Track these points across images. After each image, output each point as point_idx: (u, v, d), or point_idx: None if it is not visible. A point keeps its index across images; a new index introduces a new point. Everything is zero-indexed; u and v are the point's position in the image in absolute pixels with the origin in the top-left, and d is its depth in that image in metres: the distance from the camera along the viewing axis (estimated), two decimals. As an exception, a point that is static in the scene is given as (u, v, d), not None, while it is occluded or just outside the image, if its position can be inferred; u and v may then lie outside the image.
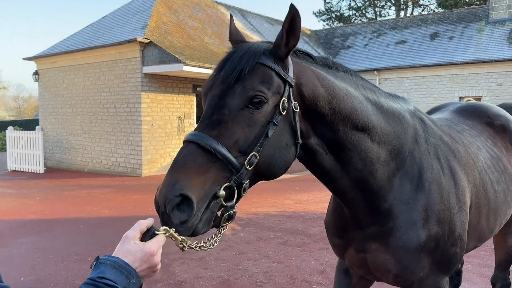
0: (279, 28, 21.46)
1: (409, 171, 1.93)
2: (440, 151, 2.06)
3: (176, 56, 11.83)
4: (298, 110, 1.55)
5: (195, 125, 13.56)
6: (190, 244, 1.35)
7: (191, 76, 13.52)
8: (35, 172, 13.80)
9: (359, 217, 1.93)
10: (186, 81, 13.85)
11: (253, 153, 1.42)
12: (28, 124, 25.43)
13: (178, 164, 1.35)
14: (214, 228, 1.44)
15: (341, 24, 34.69)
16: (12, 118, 37.49)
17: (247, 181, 1.43)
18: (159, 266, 1.25)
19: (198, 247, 1.41)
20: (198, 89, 14.17)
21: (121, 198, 9.30)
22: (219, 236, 1.48)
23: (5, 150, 19.16)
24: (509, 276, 3.05)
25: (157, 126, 13.16)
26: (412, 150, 1.96)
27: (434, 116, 2.66)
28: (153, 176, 12.80)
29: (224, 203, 1.36)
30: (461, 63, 17.57)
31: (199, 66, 12.03)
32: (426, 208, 1.91)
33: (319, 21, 42.11)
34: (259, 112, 1.44)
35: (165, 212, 1.30)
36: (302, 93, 1.59)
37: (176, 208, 1.30)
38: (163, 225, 1.29)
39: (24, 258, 5.35)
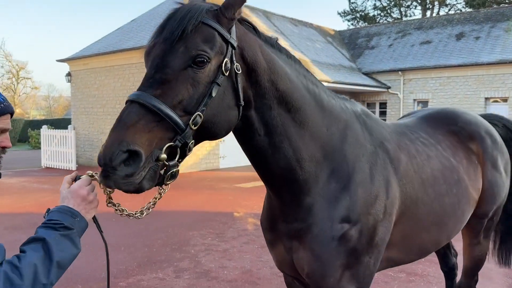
0: (303, 29, 21.67)
1: (338, 170, 1.89)
2: (376, 157, 2.01)
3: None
4: (240, 72, 1.55)
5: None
6: (123, 209, 1.55)
7: (216, 77, 13.94)
8: (68, 169, 14.47)
9: (285, 209, 1.92)
10: (211, 82, 14.28)
11: (197, 113, 1.42)
12: (59, 123, 26.43)
13: (122, 123, 1.35)
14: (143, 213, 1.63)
15: (366, 24, 34.56)
16: (43, 117, 38.94)
17: (192, 141, 1.45)
18: (91, 198, 1.45)
19: (120, 211, 1.55)
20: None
21: (146, 192, 9.74)
22: (156, 200, 1.60)
23: (39, 148, 20.16)
24: (475, 284, 3.07)
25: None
26: (346, 151, 1.93)
27: (401, 121, 2.69)
28: (180, 173, 13.25)
29: (166, 162, 1.38)
30: (487, 64, 17.36)
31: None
32: (347, 209, 1.86)
33: (343, 21, 42.02)
34: (202, 72, 1.44)
35: (111, 166, 1.30)
36: (244, 57, 1.58)
37: (123, 163, 1.31)
38: (103, 180, 1.34)
39: (62, 247, 5.80)
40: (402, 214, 2.09)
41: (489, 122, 2.97)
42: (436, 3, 34.39)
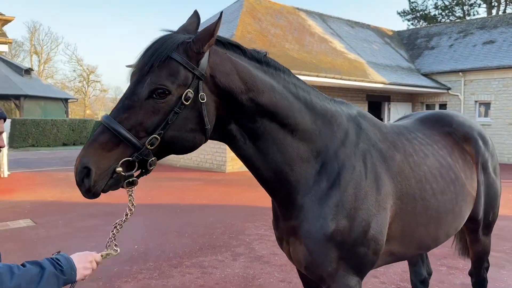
0: (359, 30, 21.69)
1: (329, 169, 2.02)
2: (368, 156, 2.13)
3: (259, 62, 12.86)
4: (205, 101, 1.70)
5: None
6: (109, 252, 1.86)
7: (272, 81, 14.48)
8: (135, 166, 15.68)
9: (281, 208, 2.09)
10: (268, 85, 14.84)
11: (154, 135, 1.63)
12: (127, 124, 28.15)
13: (88, 142, 1.62)
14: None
15: (426, 23, 33.62)
16: (112, 118, 41.97)
17: (153, 158, 1.67)
18: (88, 268, 1.75)
19: (111, 252, 1.86)
20: (278, 92, 15.11)
21: (209, 190, 10.53)
22: (127, 218, 1.86)
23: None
24: (486, 270, 3.21)
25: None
26: (337, 151, 2.05)
27: (399, 122, 2.83)
28: (236, 172, 13.97)
29: (123, 173, 1.61)
30: (556, 63, 16.51)
31: (279, 72, 12.94)
32: (337, 205, 1.98)
33: (403, 21, 41.03)
34: (162, 102, 1.63)
35: (78, 182, 1.61)
36: (216, 84, 1.74)
37: (84, 178, 1.59)
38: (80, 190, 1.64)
39: (134, 232, 6.62)
40: (400, 209, 2.20)
41: None
42: (502, 0, 32.72)
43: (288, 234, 2.13)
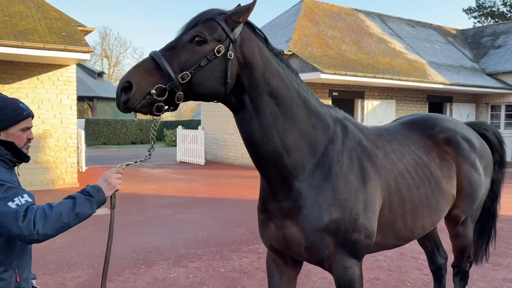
0: (421, 30, 21.29)
1: (321, 163, 2.27)
2: (354, 152, 2.39)
3: (315, 65, 13.24)
4: (232, 59, 2.00)
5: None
6: (130, 163, 2.16)
7: (328, 82, 14.78)
8: (198, 163, 16.67)
9: (275, 190, 2.29)
10: (323, 86, 15.15)
11: (186, 72, 1.91)
12: (188, 124, 29.51)
13: (135, 66, 1.94)
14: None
15: (494, 21, 32.00)
16: (173, 119, 43.62)
17: (181, 92, 1.93)
18: (112, 182, 2.04)
19: (137, 162, 2.16)
20: (333, 94, 15.37)
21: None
22: (151, 149, 2.12)
23: (173, 145, 23.39)
24: (469, 264, 3.42)
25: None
26: (327, 147, 2.31)
27: (382, 125, 3.08)
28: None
29: (155, 97, 1.87)
30: None
31: (334, 74, 13.25)
32: (330, 194, 2.23)
33: (469, 18, 39.17)
34: (199, 48, 1.95)
35: (117, 93, 1.87)
36: (243, 51, 2.05)
37: (124, 91, 1.86)
38: (117, 103, 1.91)
39: (198, 221, 7.34)
40: (383, 200, 2.45)
41: (478, 128, 3.37)
42: None
43: (282, 215, 2.31)
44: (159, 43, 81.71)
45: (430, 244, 3.58)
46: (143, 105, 1.88)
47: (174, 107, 1.98)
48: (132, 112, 2.01)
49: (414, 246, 5.59)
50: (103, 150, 24.04)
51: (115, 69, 54.53)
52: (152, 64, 1.92)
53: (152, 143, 2.15)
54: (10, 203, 1.84)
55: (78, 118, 11.50)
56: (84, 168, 14.03)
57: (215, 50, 1.96)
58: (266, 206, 2.41)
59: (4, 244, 1.96)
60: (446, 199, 2.86)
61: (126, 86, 1.86)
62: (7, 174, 1.99)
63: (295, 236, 2.29)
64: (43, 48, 8.77)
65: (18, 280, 2.03)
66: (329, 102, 15.37)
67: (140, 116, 30.84)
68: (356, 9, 19.88)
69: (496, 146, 3.41)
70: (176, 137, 20.76)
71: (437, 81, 16.43)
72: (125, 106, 1.87)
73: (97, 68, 46.10)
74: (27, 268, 2.13)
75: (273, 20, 18.67)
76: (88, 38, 10.89)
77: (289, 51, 14.03)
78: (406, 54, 17.95)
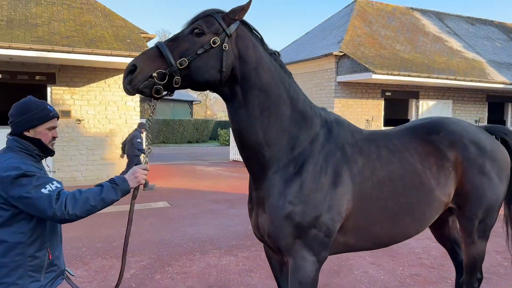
0: (480, 28, 20.47)
1: (296, 159, 2.42)
2: (332, 156, 2.48)
3: (366, 66, 13.27)
4: (227, 50, 2.22)
5: (383, 128, 14.68)
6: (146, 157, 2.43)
7: (380, 82, 14.72)
8: (249, 162, 17.18)
9: (255, 179, 2.49)
10: (375, 86, 15.10)
11: (184, 58, 2.14)
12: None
13: (142, 53, 2.20)
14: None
15: None
16: (227, 119, 44.79)
17: (179, 77, 2.13)
18: (139, 177, 2.26)
19: (149, 150, 2.43)
20: (386, 94, 15.27)
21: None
22: (150, 119, 2.38)
23: (226, 144, 24.28)
24: (478, 282, 3.20)
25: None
26: (306, 146, 2.45)
27: (384, 130, 3.04)
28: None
29: (156, 80, 2.10)
30: None
31: (387, 74, 13.21)
32: (297, 188, 2.36)
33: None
34: (197, 38, 2.20)
35: (124, 74, 2.11)
36: (238, 45, 2.28)
37: (130, 73, 2.09)
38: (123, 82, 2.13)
39: (246, 216, 7.77)
40: (356, 206, 2.50)
41: (498, 132, 3.18)
42: None
43: (258, 205, 2.51)
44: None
45: (450, 243, 3.51)
46: (145, 85, 2.10)
47: (171, 91, 2.21)
48: (189, 113, 2.39)
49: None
50: (162, 148, 25.31)
51: None
52: (156, 52, 2.17)
53: (148, 124, 2.50)
54: (43, 190, 2.09)
55: (140, 118, 12.38)
56: (144, 165, 14.98)
57: (211, 41, 2.20)
58: (251, 195, 2.60)
59: (37, 227, 2.21)
60: (436, 208, 2.81)
61: (132, 69, 2.10)
62: (35, 167, 2.23)
63: (263, 223, 2.47)
64: (110, 55, 9.62)
65: (50, 257, 2.29)
66: (381, 102, 15.32)
67: (196, 116, 32.00)
68: (411, 8, 19.51)
69: None
70: (229, 136, 21.49)
71: (497, 80, 15.80)
72: (129, 86, 2.09)
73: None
74: (58, 247, 2.39)
75: (325, 21, 18.79)
76: (150, 43, 11.70)
77: (341, 51, 14.15)
78: (464, 52, 17.39)
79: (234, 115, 2.39)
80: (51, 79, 10.67)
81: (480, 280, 3.21)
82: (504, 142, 3.16)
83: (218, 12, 2.31)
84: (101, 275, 4.88)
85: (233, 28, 2.28)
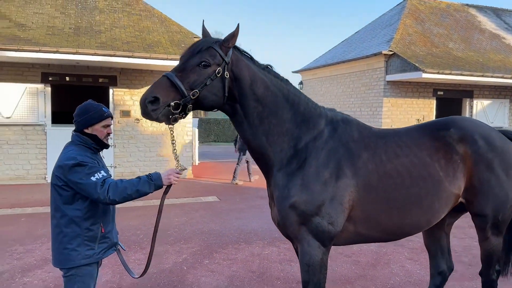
0: (544, 22, 19.40)
1: (299, 155, 2.65)
2: (334, 151, 2.68)
3: (416, 64, 13.13)
4: (228, 77, 2.50)
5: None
6: (180, 168, 2.69)
7: (431, 81, 14.47)
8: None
9: (266, 177, 2.78)
10: (427, 86, 14.85)
11: (196, 90, 2.42)
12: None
13: (155, 84, 2.40)
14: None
15: None
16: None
17: (191, 105, 2.43)
18: (172, 179, 2.62)
19: (182, 167, 2.68)
20: (438, 93, 14.98)
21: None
22: (174, 144, 2.62)
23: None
24: (496, 273, 3.25)
25: (395, 127, 14.77)
26: (308, 143, 2.67)
27: (394, 128, 3.17)
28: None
29: (172, 110, 2.38)
30: None
31: (437, 73, 13.00)
32: (300, 181, 2.59)
33: None
34: (204, 70, 2.44)
35: (144, 104, 2.33)
36: (232, 70, 2.53)
37: (150, 103, 2.33)
38: (141, 112, 2.40)
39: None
40: (362, 196, 2.67)
41: (509, 136, 3.15)
42: None
43: (271, 199, 2.79)
44: (265, 45, 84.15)
45: (434, 247, 3.51)
46: (163, 114, 2.39)
47: (184, 117, 2.51)
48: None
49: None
50: (213, 146, 26.17)
51: None
52: (169, 83, 2.42)
53: (175, 152, 2.74)
54: (92, 177, 2.55)
55: (192, 117, 13.05)
56: (197, 162, 15.72)
57: (216, 71, 2.48)
58: (268, 192, 2.87)
59: (91, 206, 2.67)
60: (445, 200, 2.87)
61: (152, 100, 2.37)
62: (91, 158, 2.67)
63: (275, 215, 2.75)
64: (166, 59, 10.31)
65: (103, 231, 2.74)
66: (433, 101, 15.05)
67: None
68: (467, 5, 18.89)
69: None
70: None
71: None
72: (153, 114, 2.37)
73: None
74: (110, 224, 2.82)
75: (375, 20, 18.65)
76: None
77: (390, 50, 14.08)
78: (523, 50, 16.62)
79: (239, 127, 2.69)
80: (113, 81, 11.57)
81: (498, 272, 3.26)
82: None
83: (216, 41, 2.55)
84: (155, 259, 5.44)
85: (229, 55, 2.54)
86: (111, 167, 11.26)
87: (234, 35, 2.55)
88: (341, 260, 5.43)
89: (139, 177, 2.65)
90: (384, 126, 14.51)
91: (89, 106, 2.79)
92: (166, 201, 8.86)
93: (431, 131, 3.02)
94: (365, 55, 15.13)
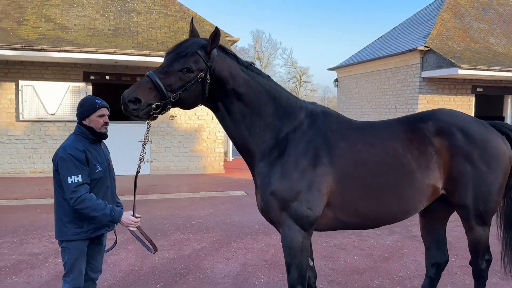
0: None
1: (279, 145, 2.82)
2: (312, 142, 2.82)
3: (452, 61, 12.80)
4: (210, 81, 2.63)
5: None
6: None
7: (470, 78, 14.05)
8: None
9: (249, 167, 2.98)
10: (465, 82, 14.42)
11: (177, 93, 2.56)
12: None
13: (137, 84, 2.55)
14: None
15: None
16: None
17: (170, 105, 2.57)
18: (126, 223, 2.88)
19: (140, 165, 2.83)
20: (477, 89, 14.50)
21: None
22: (147, 133, 2.72)
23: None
24: (486, 262, 3.27)
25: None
26: (288, 134, 2.83)
27: (374, 121, 3.28)
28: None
29: (153, 111, 2.53)
30: None
31: (474, 69, 12.62)
32: (280, 169, 2.76)
33: None
34: (187, 76, 2.57)
35: (125, 103, 2.48)
36: (214, 73, 2.65)
37: (132, 102, 2.48)
38: (122, 109, 2.52)
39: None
40: (340, 183, 2.80)
41: (500, 127, 3.22)
42: None
43: (255, 187, 3.00)
44: (307, 42, 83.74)
45: (430, 239, 3.57)
46: (144, 113, 2.55)
47: (162, 114, 2.65)
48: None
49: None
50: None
51: (265, 70, 57.44)
52: (151, 84, 2.55)
53: (143, 148, 2.82)
54: (68, 177, 2.84)
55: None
56: (231, 158, 16.07)
57: (198, 77, 2.61)
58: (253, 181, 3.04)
59: (91, 188, 2.98)
60: (420, 189, 2.95)
61: (133, 100, 2.52)
62: (86, 149, 2.94)
63: (258, 202, 2.93)
64: (198, 57, 10.69)
65: None
66: (471, 98, 14.61)
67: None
68: (512, -3, 18.10)
69: None
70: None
71: None
72: (134, 112, 2.53)
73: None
74: (107, 200, 3.05)
75: (413, 16, 18.26)
76: (243, 42, 12.55)
77: (426, 46, 13.80)
78: None
79: (222, 122, 2.87)
80: (149, 79, 12.09)
81: (488, 261, 3.29)
82: (508, 138, 3.19)
83: (202, 46, 2.63)
84: (176, 245, 5.78)
85: (212, 59, 2.65)
86: (146, 161, 11.81)
87: (214, 39, 2.62)
88: (355, 253, 5.54)
89: (105, 204, 2.91)
90: (419, 124, 14.24)
91: (84, 100, 3.11)
92: (196, 195, 9.46)
93: (410, 123, 3.10)
94: (400, 51, 14.90)
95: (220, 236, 6.23)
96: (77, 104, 3.11)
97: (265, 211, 2.89)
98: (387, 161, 2.92)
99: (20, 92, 10.93)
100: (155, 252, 3.18)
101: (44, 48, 9.89)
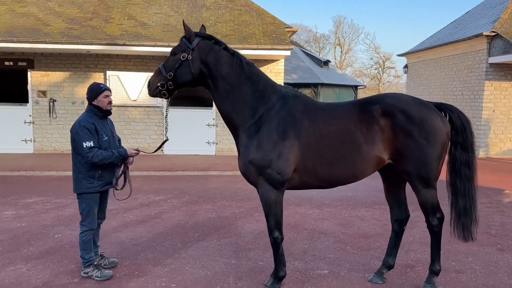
0: None
1: (257, 122, 3.50)
2: (283, 119, 3.48)
3: (520, 45, 12.35)
4: (191, 59, 3.51)
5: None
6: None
7: (543, 63, 13.37)
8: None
9: (234, 138, 3.71)
10: (538, 68, 13.74)
11: (171, 71, 3.53)
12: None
13: (154, 72, 3.66)
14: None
15: None
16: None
17: (170, 82, 3.54)
18: (132, 153, 4.07)
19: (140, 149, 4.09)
20: (553, 75, 13.72)
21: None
22: (166, 101, 3.76)
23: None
24: (438, 220, 3.74)
25: (499, 112, 14.01)
26: (263, 113, 3.51)
27: (336, 102, 3.91)
28: (492, 158, 13.86)
29: (160, 88, 3.56)
30: None
31: (544, 54, 12.06)
32: (256, 142, 3.46)
33: None
34: (174, 57, 3.55)
35: (147, 88, 3.67)
36: (199, 54, 3.53)
37: (148, 87, 3.65)
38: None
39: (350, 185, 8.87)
40: (303, 153, 3.48)
41: (444, 108, 3.77)
42: None
43: (238, 154, 3.71)
44: (392, 26, 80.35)
45: (391, 200, 4.12)
46: (156, 92, 3.63)
47: (172, 93, 3.66)
48: (353, 98, 3.93)
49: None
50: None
51: (346, 56, 54.85)
52: (158, 70, 3.64)
53: (165, 132, 4.07)
54: (83, 143, 3.80)
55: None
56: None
57: (181, 56, 3.56)
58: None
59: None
60: (366, 159, 3.57)
61: (148, 84, 3.69)
62: (95, 122, 3.90)
63: (240, 166, 3.67)
64: (256, 49, 11.67)
65: (100, 172, 3.98)
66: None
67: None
68: None
69: (459, 128, 3.71)
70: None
71: None
72: (149, 93, 3.67)
73: (330, 56, 49.15)
74: (108, 169, 4.04)
75: (485, 1, 17.46)
76: (323, 28, 13.13)
77: (493, 31, 13.39)
78: None
79: (213, 98, 3.71)
80: (216, 69, 13.36)
81: (440, 220, 3.77)
82: (449, 119, 3.74)
83: (185, 36, 3.60)
84: (220, 209, 6.90)
85: (194, 43, 3.56)
86: (213, 143, 13.15)
87: (185, 30, 3.59)
88: (371, 223, 6.23)
89: (112, 152, 3.96)
90: (485, 112, 13.97)
91: (92, 85, 4.09)
92: (220, 172, 10.39)
93: (363, 105, 3.67)
94: (467, 37, 14.55)
95: (258, 204, 7.20)
96: (86, 89, 4.10)
97: (246, 174, 3.65)
98: (341, 136, 3.55)
99: (107, 81, 12.78)
100: (121, 189, 4.19)
101: (126, 43, 11.53)
